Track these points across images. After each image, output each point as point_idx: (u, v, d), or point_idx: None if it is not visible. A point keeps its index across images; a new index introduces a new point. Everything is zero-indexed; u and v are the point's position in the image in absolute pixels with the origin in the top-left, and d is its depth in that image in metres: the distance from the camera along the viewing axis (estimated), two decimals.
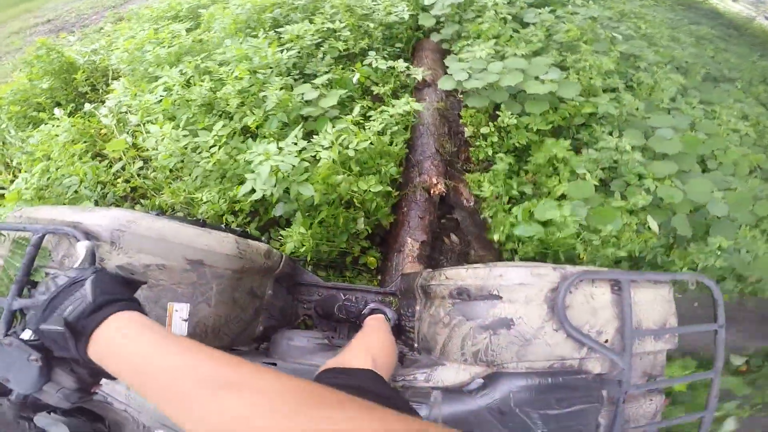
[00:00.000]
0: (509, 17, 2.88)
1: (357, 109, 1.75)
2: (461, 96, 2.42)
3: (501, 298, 0.86)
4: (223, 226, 1.49)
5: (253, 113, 1.82)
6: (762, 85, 4.08)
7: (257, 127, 1.84)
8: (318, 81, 1.92)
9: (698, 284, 0.95)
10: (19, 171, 2.24)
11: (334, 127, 1.68)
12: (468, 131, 2.23)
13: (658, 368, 0.94)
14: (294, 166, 1.49)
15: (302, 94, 1.86)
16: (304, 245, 1.62)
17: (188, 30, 2.72)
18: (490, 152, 2.14)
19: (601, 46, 2.81)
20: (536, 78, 2.25)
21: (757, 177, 2.51)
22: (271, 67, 2.02)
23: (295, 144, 1.54)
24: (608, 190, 2.11)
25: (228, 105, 1.89)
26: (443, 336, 0.94)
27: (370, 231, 1.79)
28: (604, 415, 0.85)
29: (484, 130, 2.17)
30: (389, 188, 1.77)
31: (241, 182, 1.74)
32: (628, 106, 2.41)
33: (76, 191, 1.85)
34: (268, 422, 0.34)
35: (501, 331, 0.85)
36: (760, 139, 3.04)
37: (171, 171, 1.97)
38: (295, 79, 2.12)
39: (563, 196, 1.97)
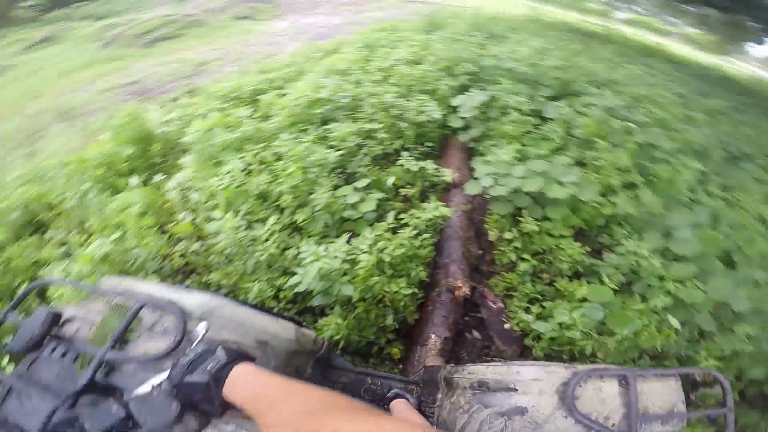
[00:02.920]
0: (530, 115, 2.86)
1: (391, 216, 1.83)
2: (488, 196, 2.47)
3: (517, 390, 0.96)
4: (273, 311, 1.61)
5: (302, 211, 1.94)
6: None
7: (303, 224, 1.94)
8: (359, 185, 2.03)
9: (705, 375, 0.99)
10: (90, 234, 2.41)
11: (372, 232, 1.77)
12: (492, 235, 2.26)
13: None
14: (338, 268, 1.57)
15: (345, 196, 1.97)
16: (339, 333, 1.68)
17: (249, 116, 2.95)
18: (513, 257, 2.15)
19: (617, 138, 2.75)
20: (557, 181, 2.24)
21: None
22: (320, 165, 2.16)
23: (346, 245, 1.63)
24: (629, 291, 2.07)
25: (281, 200, 2.01)
26: (462, 421, 1.01)
27: (397, 326, 1.82)
28: None
29: (507, 235, 2.20)
30: (416, 290, 1.81)
31: (285, 272, 1.83)
32: (647, 204, 2.32)
33: (141, 263, 1.97)
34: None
35: (516, 417, 0.94)
36: None
37: (219, 255, 2.08)
38: (337, 176, 2.25)
39: (584, 299, 1.95)
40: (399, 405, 1.28)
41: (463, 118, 2.94)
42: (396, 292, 1.73)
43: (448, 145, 2.95)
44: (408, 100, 2.94)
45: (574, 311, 1.84)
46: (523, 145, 2.59)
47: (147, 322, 0.95)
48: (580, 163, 2.55)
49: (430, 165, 2.34)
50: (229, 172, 2.12)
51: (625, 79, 4.30)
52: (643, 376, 0.96)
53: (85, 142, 3.89)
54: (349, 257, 1.65)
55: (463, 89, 3.34)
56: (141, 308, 0.93)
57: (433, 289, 2.00)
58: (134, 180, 2.52)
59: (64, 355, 0.92)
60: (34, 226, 2.82)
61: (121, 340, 0.91)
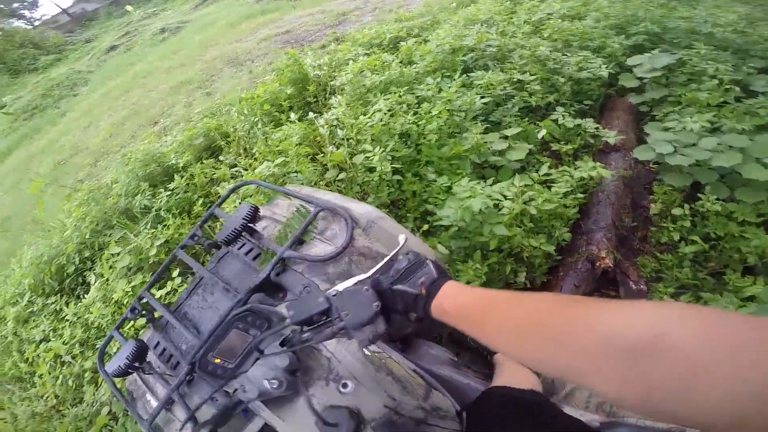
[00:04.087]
0: (732, 85, 2.47)
1: (545, 169, 1.77)
2: (653, 167, 2.19)
3: None
4: None
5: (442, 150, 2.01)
6: None
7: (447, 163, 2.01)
8: (508, 132, 2.00)
9: None
10: (255, 158, 2.90)
11: (520, 181, 1.74)
12: (654, 209, 2.01)
13: None
14: (489, 207, 1.60)
15: (492, 142, 1.97)
16: (474, 280, 1.71)
17: (393, 61, 3.09)
18: (676, 237, 1.90)
19: None
20: (757, 160, 1.93)
21: None
22: (465, 111, 2.18)
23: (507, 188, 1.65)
24: None
25: (424, 138, 2.11)
26: (574, 384, 0.95)
27: (528, 284, 1.80)
28: None
29: (676, 211, 1.93)
30: (553, 251, 1.75)
31: (420, 204, 1.95)
32: None
33: (301, 183, 2.33)
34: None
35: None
36: None
37: (360, 186, 2.32)
38: (479, 123, 2.23)
39: (751, 298, 1.67)
40: (503, 356, 1.27)
41: (639, 79, 2.62)
42: (536, 248, 1.70)
43: (611, 106, 2.67)
44: (566, 55, 2.74)
45: (737, 309, 1.59)
46: (719, 116, 2.23)
47: (319, 227, 1.00)
48: None
49: (589, 123, 2.15)
50: (379, 110, 2.30)
51: None
52: None
53: (251, 83, 4.62)
54: (495, 201, 1.66)
55: (638, 50, 3.04)
56: (320, 211, 0.98)
57: (570, 254, 1.90)
58: (293, 115, 2.92)
59: (248, 252, 1.00)
60: (212, 150, 3.50)
61: (299, 241, 0.96)
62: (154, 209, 2.74)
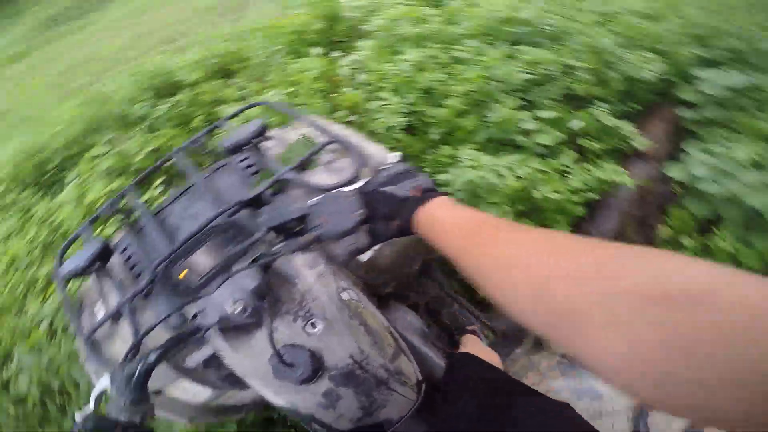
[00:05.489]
0: None
1: (566, 159, 1.73)
2: (675, 189, 2.12)
3: None
4: None
5: (467, 118, 1.96)
6: None
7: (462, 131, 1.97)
8: (543, 114, 1.94)
9: None
10: (267, 86, 2.86)
11: (538, 163, 1.71)
12: (663, 231, 1.97)
13: None
14: (492, 183, 1.57)
15: (521, 120, 1.92)
16: None
17: (435, 16, 3.01)
18: None
19: None
20: None
21: None
22: (503, 81, 2.11)
23: (509, 169, 1.62)
24: None
25: (445, 101, 2.07)
26: (529, 381, 1.04)
27: None
28: None
29: (685, 241, 1.88)
30: None
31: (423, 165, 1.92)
32: None
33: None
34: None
35: (584, 399, 0.96)
36: None
37: (371, 133, 2.28)
38: (513, 99, 2.17)
39: None
40: (470, 339, 1.33)
41: (701, 92, 2.51)
42: None
43: (655, 113, 2.59)
44: (628, 52, 2.63)
45: None
46: None
47: (325, 158, 1.00)
48: None
49: (627, 126, 2.08)
50: (406, 60, 2.25)
51: None
52: None
53: (283, 14, 4.53)
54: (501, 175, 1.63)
55: (710, 64, 2.85)
56: (331, 142, 0.96)
57: None
58: (316, 50, 2.86)
59: (248, 167, 0.99)
60: (224, 72, 3.49)
61: (303, 165, 0.95)
62: (151, 117, 2.77)
